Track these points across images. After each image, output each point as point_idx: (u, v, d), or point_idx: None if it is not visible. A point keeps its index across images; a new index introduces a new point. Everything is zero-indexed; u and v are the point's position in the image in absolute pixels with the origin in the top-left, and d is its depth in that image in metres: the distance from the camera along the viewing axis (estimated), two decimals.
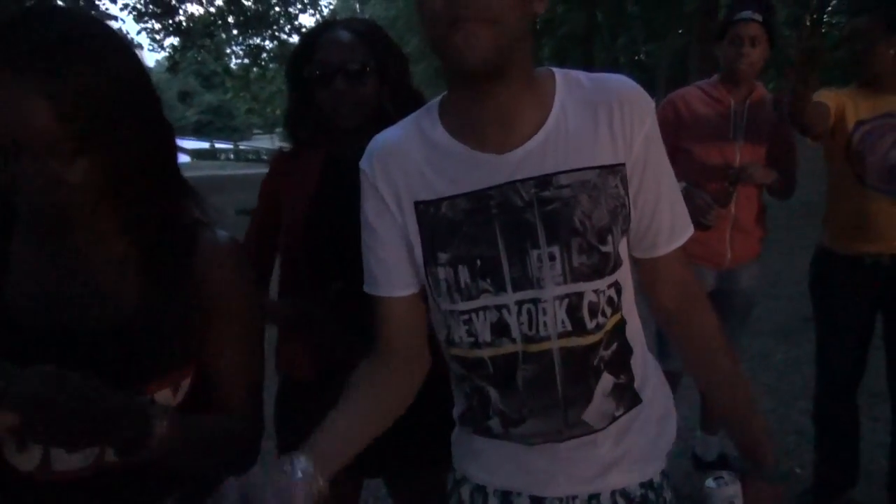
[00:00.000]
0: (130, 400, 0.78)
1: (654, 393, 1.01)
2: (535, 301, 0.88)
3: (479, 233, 0.88)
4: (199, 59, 21.12)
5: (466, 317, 0.91)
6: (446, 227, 0.89)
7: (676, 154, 2.28)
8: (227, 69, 20.90)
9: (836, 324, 2.23)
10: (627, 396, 0.96)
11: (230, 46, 19.40)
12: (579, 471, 0.96)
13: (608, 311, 0.91)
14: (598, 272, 0.88)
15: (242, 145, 35.30)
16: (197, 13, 16.96)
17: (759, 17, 2.12)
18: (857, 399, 2.26)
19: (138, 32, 17.26)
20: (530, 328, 0.89)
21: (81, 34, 0.76)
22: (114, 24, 0.84)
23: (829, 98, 2.12)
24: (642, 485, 0.99)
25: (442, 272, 0.90)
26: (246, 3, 17.08)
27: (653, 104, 0.92)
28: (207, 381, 0.92)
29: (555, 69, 0.94)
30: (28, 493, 0.85)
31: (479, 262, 0.88)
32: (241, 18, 17.23)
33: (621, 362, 0.95)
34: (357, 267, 0.99)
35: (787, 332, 4.06)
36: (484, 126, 0.88)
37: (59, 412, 0.69)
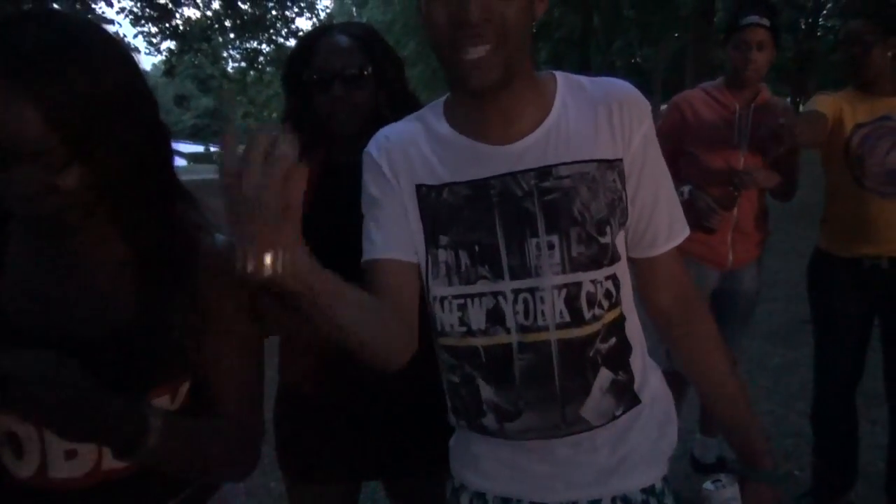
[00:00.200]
0: (127, 405, 0.78)
1: (654, 396, 1.01)
2: (532, 290, 0.89)
3: (479, 219, 0.90)
4: (196, 62, 21.09)
5: (461, 301, 0.92)
6: (447, 211, 0.91)
7: (680, 157, 2.29)
8: (223, 73, 20.90)
9: (834, 326, 2.23)
10: (627, 395, 0.96)
11: (227, 50, 19.42)
12: (579, 476, 0.96)
13: (605, 303, 0.92)
14: (596, 262, 0.90)
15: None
16: (193, 17, 16.97)
17: (766, 21, 2.11)
18: (855, 401, 2.26)
19: (135, 36, 17.35)
20: (527, 318, 0.90)
21: (76, 39, 0.75)
22: (110, 28, 0.82)
23: (825, 104, 2.12)
24: (643, 490, 0.99)
25: (443, 254, 0.91)
26: (243, 6, 17.07)
27: (650, 106, 0.95)
28: (206, 386, 0.92)
29: (557, 72, 0.97)
30: (25, 500, 0.84)
31: (477, 247, 0.90)
32: (238, 22, 17.23)
33: (620, 359, 0.95)
34: (357, 272, 0.98)
35: (785, 335, 4.07)
36: (487, 123, 0.91)
37: (58, 390, 0.69)
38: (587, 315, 0.90)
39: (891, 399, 2.20)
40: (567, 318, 0.90)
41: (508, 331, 0.91)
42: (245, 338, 0.94)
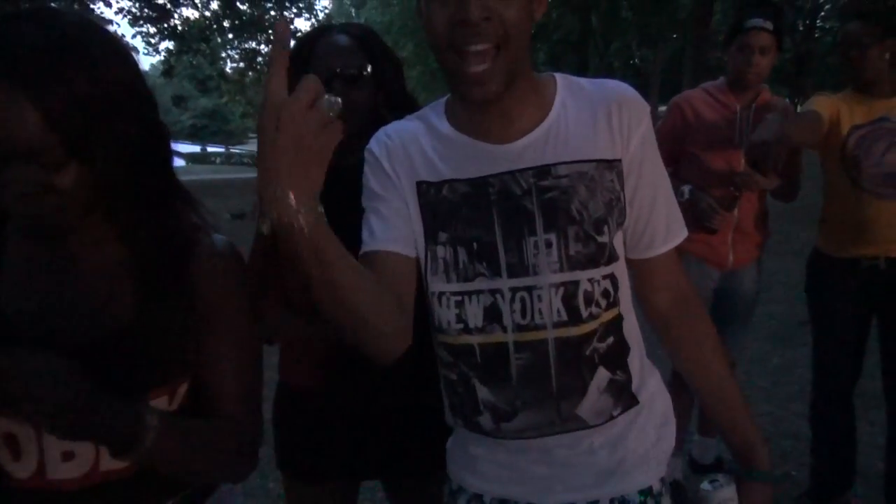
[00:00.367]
0: (125, 405, 0.78)
1: (652, 397, 1.01)
2: (529, 289, 0.90)
3: (478, 217, 0.91)
4: (195, 63, 21.08)
5: (458, 298, 0.92)
6: (446, 208, 0.92)
7: (682, 158, 2.29)
8: (222, 73, 20.89)
9: (832, 327, 2.23)
10: (624, 396, 0.96)
11: (225, 51, 19.42)
12: (577, 478, 0.96)
13: (603, 302, 0.92)
14: (593, 261, 0.90)
15: (234, 149, 35.32)
16: (192, 17, 16.97)
17: (769, 25, 2.10)
18: (853, 402, 2.27)
19: (133, 36, 17.30)
20: (524, 316, 0.90)
21: (76, 39, 0.75)
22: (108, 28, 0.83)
23: (822, 105, 2.13)
24: (641, 492, 0.99)
25: (441, 251, 0.92)
26: (241, 7, 17.07)
27: (648, 108, 0.96)
28: (205, 387, 0.92)
29: (557, 74, 0.98)
30: (23, 501, 0.84)
31: (475, 245, 0.90)
32: (237, 22, 17.23)
33: (617, 358, 0.95)
34: None
35: (783, 336, 4.07)
36: (487, 123, 0.92)
37: (56, 388, 0.69)
38: (584, 314, 0.90)
39: (889, 400, 2.21)
40: (564, 317, 0.90)
41: (505, 329, 0.91)
42: (244, 338, 0.94)
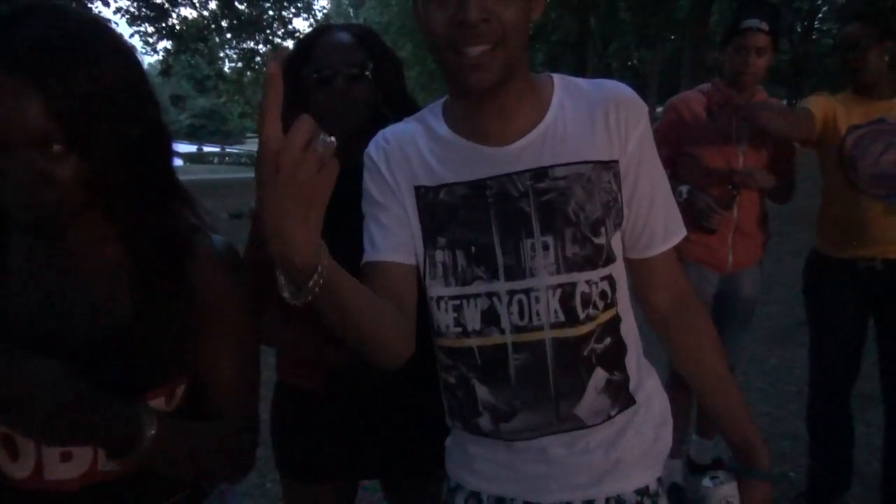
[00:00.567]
0: (123, 406, 0.77)
1: (649, 397, 1.02)
2: (527, 291, 0.90)
3: (475, 219, 0.91)
4: (193, 62, 21.06)
5: (457, 302, 0.92)
6: (444, 211, 0.92)
7: (679, 158, 2.29)
8: (220, 73, 20.88)
9: (830, 327, 2.23)
10: (622, 396, 0.96)
11: (223, 50, 19.38)
12: (573, 477, 0.96)
13: (600, 303, 0.92)
14: (590, 263, 0.90)
15: (230, 149, 35.32)
16: (190, 17, 16.95)
17: (765, 26, 2.11)
18: (850, 403, 2.27)
19: (131, 36, 17.21)
20: (521, 318, 0.90)
21: (81, 34, 0.76)
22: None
23: (817, 104, 2.14)
24: (637, 491, 0.99)
25: (440, 255, 0.92)
26: (239, 6, 17.06)
27: (646, 108, 0.97)
28: (202, 388, 0.92)
29: (554, 75, 0.98)
30: (20, 501, 0.84)
31: (473, 248, 0.91)
32: (235, 22, 17.21)
33: (615, 359, 0.95)
34: (356, 274, 0.98)
35: (781, 337, 4.08)
36: (485, 124, 0.92)
37: (44, 403, 0.68)
38: (581, 315, 0.91)
39: (886, 401, 2.21)
40: (562, 318, 0.90)
41: (503, 331, 0.92)
42: (242, 339, 0.93)
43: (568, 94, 0.95)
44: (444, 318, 0.94)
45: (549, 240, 0.89)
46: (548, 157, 0.91)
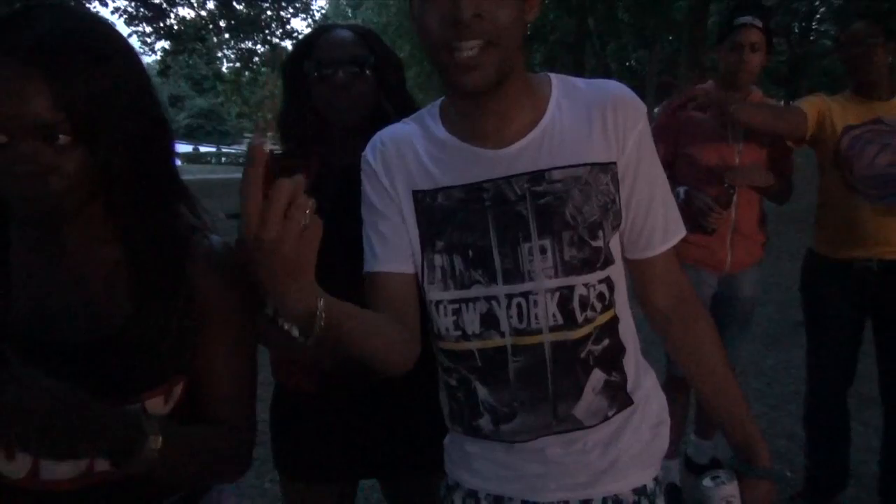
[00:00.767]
0: (123, 415, 0.77)
1: (647, 397, 1.02)
2: (526, 294, 0.90)
3: (473, 223, 0.91)
4: (191, 63, 21.03)
5: (456, 306, 0.93)
6: (442, 215, 0.92)
7: (677, 159, 2.29)
8: (217, 73, 20.85)
9: (826, 328, 2.24)
10: (620, 396, 0.96)
11: (221, 50, 19.34)
12: (570, 476, 0.97)
13: (598, 306, 0.92)
14: (588, 266, 0.90)
15: (225, 149, 35.23)
16: (188, 17, 16.91)
17: (759, 23, 2.12)
18: (847, 403, 2.27)
19: (129, 36, 17.15)
20: (521, 321, 0.91)
21: (88, 29, 0.78)
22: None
23: (810, 103, 2.14)
24: (635, 491, 0.99)
25: (439, 259, 0.93)
26: (237, 7, 17.03)
27: (645, 108, 0.96)
28: (199, 388, 0.92)
29: (552, 74, 0.98)
30: (17, 502, 0.84)
31: (471, 252, 0.91)
32: (233, 22, 17.17)
33: (613, 360, 0.96)
34: (355, 274, 0.99)
35: (779, 337, 4.09)
36: (482, 125, 0.91)
37: (44, 422, 0.68)
38: (580, 318, 0.91)
39: (884, 401, 2.21)
40: (560, 321, 0.90)
41: (502, 334, 0.92)
42: (239, 339, 0.94)
43: (566, 94, 0.94)
44: (443, 321, 0.94)
45: (547, 243, 0.89)
46: (545, 160, 0.91)
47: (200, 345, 0.90)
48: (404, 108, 1.31)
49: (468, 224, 0.91)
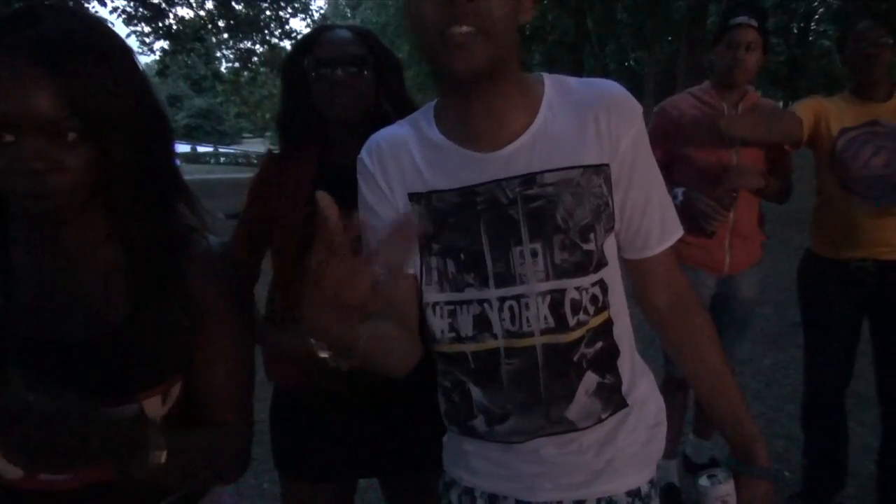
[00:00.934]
0: (128, 427, 0.77)
1: (643, 399, 1.02)
2: (518, 298, 0.90)
3: (465, 227, 0.91)
4: (189, 62, 21.00)
5: (451, 308, 0.93)
6: (436, 218, 0.92)
7: (674, 161, 2.29)
8: (216, 73, 20.83)
9: (823, 328, 2.24)
10: (614, 398, 0.96)
11: (220, 50, 19.33)
12: (565, 477, 0.97)
13: (591, 309, 0.92)
14: (580, 269, 0.90)
15: (223, 149, 35.20)
16: (187, 17, 16.89)
17: (755, 22, 2.12)
18: (844, 403, 2.28)
19: (127, 36, 17.11)
20: (513, 324, 0.90)
21: (90, 30, 0.79)
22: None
23: (806, 107, 2.14)
24: (629, 493, 0.99)
25: (434, 261, 0.92)
26: (236, 6, 17.01)
27: (640, 109, 0.95)
28: (197, 387, 0.92)
29: (546, 74, 0.97)
30: (15, 501, 0.84)
31: (463, 255, 0.91)
32: (232, 22, 17.15)
33: (607, 362, 0.95)
34: None
35: (777, 337, 4.09)
36: (475, 127, 0.91)
37: (45, 431, 0.68)
38: (571, 321, 0.91)
39: (881, 401, 2.22)
40: (552, 324, 0.90)
41: (495, 336, 0.92)
42: (237, 340, 0.94)
43: (558, 95, 0.93)
44: (438, 323, 0.95)
45: (538, 247, 0.89)
46: (537, 163, 0.90)
47: (197, 344, 0.90)
48: (403, 108, 1.31)
49: (461, 228, 0.91)
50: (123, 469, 0.76)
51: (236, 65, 19.31)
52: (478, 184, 0.91)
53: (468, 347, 0.93)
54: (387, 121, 1.05)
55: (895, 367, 2.16)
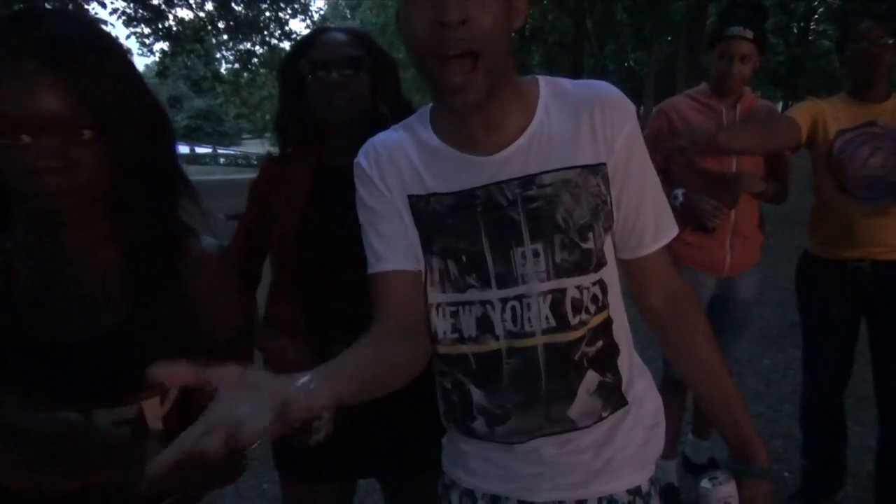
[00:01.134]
0: (125, 442, 0.78)
1: (641, 397, 1.02)
2: (519, 298, 0.90)
3: (465, 229, 0.91)
4: (189, 64, 21.02)
5: (454, 309, 0.93)
6: (435, 220, 0.92)
7: (672, 163, 2.29)
8: (216, 74, 20.83)
9: (821, 328, 2.24)
10: (614, 397, 0.97)
11: (220, 51, 19.34)
12: (565, 477, 0.97)
13: (592, 308, 0.92)
14: (580, 268, 0.91)
15: (221, 150, 35.18)
16: (187, 18, 16.90)
17: (749, 34, 2.11)
18: (843, 403, 2.28)
19: (127, 37, 17.15)
20: (515, 324, 0.91)
21: (88, 30, 0.80)
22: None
23: (802, 110, 2.14)
24: (629, 491, 0.99)
25: (436, 262, 0.93)
26: (236, 8, 17.02)
27: (633, 108, 0.96)
28: (195, 389, 0.92)
29: (539, 77, 0.97)
30: (14, 501, 0.84)
31: (464, 257, 0.91)
32: (231, 23, 17.15)
33: (607, 361, 0.96)
34: (350, 279, 0.99)
35: (775, 337, 4.09)
36: (472, 131, 0.91)
37: (44, 457, 0.69)
38: (573, 321, 0.91)
39: (879, 401, 2.22)
40: (553, 324, 0.91)
41: (497, 337, 0.92)
42: (234, 341, 0.94)
43: (553, 97, 0.94)
44: (441, 323, 0.95)
45: (539, 247, 0.89)
46: (534, 165, 0.91)
47: (195, 345, 0.90)
48: (400, 109, 1.32)
49: (460, 230, 0.91)
50: (124, 481, 0.77)
51: (236, 66, 19.33)
52: (476, 186, 0.91)
53: (470, 349, 0.94)
54: (384, 122, 1.05)
55: (893, 366, 2.16)
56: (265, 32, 17.85)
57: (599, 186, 0.92)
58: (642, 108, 17.77)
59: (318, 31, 1.43)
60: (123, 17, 15.73)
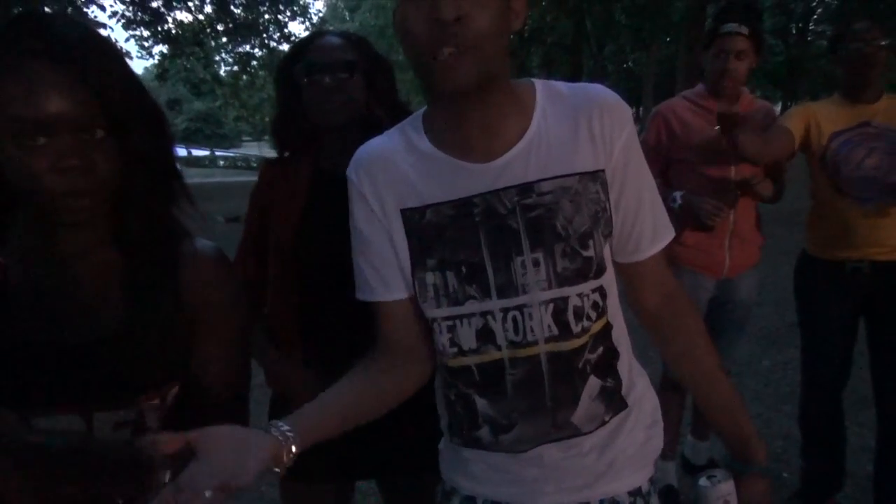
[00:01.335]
0: (131, 454, 0.78)
1: (640, 399, 1.02)
2: (520, 308, 0.89)
3: (464, 239, 0.90)
4: (188, 66, 21.01)
5: (450, 323, 0.92)
6: (432, 231, 0.91)
7: (671, 166, 2.29)
8: (215, 77, 20.83)
9: (820, 329, 2.24)
10: (615, 401, 0.97)
11: (219, 54, 19.34)
12: (567, 480, 0.97)
13: (593, 314, 0.92)
14: (581, 276, 0.90)
15: (219, 152, 35.15)
16: (186, 21, 16.92)
17: (745, 30, 2.10)
18: (842, 403, 2.28)
19: (126, 40, 17.19)
20: (517, 334, 0.90)
21: (90, 32, 0.80)
22: (102, 33, 0.88)
23: (795, 116, 2.15)
24: (630, 492, 0.99)
25: (430, 277, 0.91)
26: (235, 10, 17.03)
27: (630, 112, 0.95)
28: (194, 390, 0.92)
29: (535, 80, 0.96)
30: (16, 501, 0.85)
31: (464, 268, 0.90)
32: (231, 26, 17.17)
33: (608, 366, 0.96)
34: (349, 282, 0.99)
35: (774, 338, 4.10)
36: (467, 137, 0.89)
37: (50, 475, 0.69)
38: (575, 328, 0.90)
39: (878, 402, 2.22)
40: (556, 332, 0.90)
41: (499, 347, 0.91)
42: (232, 343, 0.94)
43: (550, 101, 0.92)
44: (439, 338, 0.94)
45: (540, 256, 0.88)
46: (533, 172, 0.89)
47: (194, 348, 0.91)
48: (395, 112, 1.32)
49: (460, 240, 0.90)
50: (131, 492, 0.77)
51: (235, 68, 19.33)
52: (475, 195, 0.90)
53: (472, 360, 0.93)
54: (379, 125, 1.05)
55: (892, 367, 2.16)
56: (264, 35, 17.87)
57: (599, 193, 0.91)
58: (641, 109, 17.76)
59: (314, 35, 1.43)
60: (123, 21, 15.76)
